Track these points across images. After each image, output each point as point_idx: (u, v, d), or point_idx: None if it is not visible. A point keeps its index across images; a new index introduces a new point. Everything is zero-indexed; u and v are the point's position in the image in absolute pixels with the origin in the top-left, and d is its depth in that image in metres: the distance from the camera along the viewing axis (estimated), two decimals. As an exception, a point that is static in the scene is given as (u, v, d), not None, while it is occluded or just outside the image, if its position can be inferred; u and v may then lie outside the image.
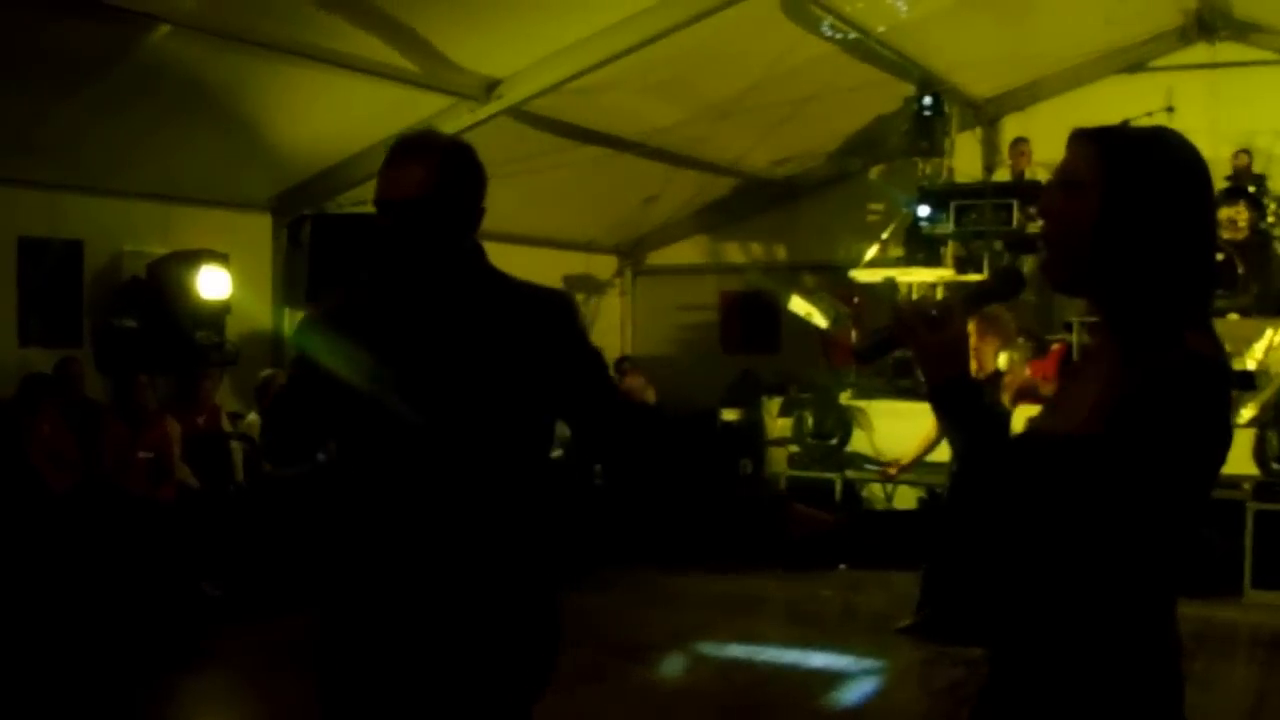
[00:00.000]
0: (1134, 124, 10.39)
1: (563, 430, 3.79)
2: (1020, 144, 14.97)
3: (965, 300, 2.80)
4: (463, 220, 3.53)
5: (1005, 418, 2.76)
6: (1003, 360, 9.20)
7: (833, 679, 9.21)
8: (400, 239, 3.48)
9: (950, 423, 2.70)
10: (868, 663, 9.35)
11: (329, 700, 3.58)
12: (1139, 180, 2.64)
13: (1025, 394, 9.24)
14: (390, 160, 3.50)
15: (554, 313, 3.66)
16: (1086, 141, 2.70)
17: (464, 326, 3.50)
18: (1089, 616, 2.62)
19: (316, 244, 11.03)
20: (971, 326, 9.57)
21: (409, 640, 3.45)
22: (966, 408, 2.67)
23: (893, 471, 10.50)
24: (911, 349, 2.72)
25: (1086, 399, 2.61)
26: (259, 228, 12.12)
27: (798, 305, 14.54)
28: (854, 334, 14.53)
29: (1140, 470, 2.51)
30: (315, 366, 3.54)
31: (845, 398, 13.80)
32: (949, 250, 15.08)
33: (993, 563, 2.77)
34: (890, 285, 14.69)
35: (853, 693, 8.88)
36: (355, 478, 3.61)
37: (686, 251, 18.24)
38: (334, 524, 3.61)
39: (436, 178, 3.45)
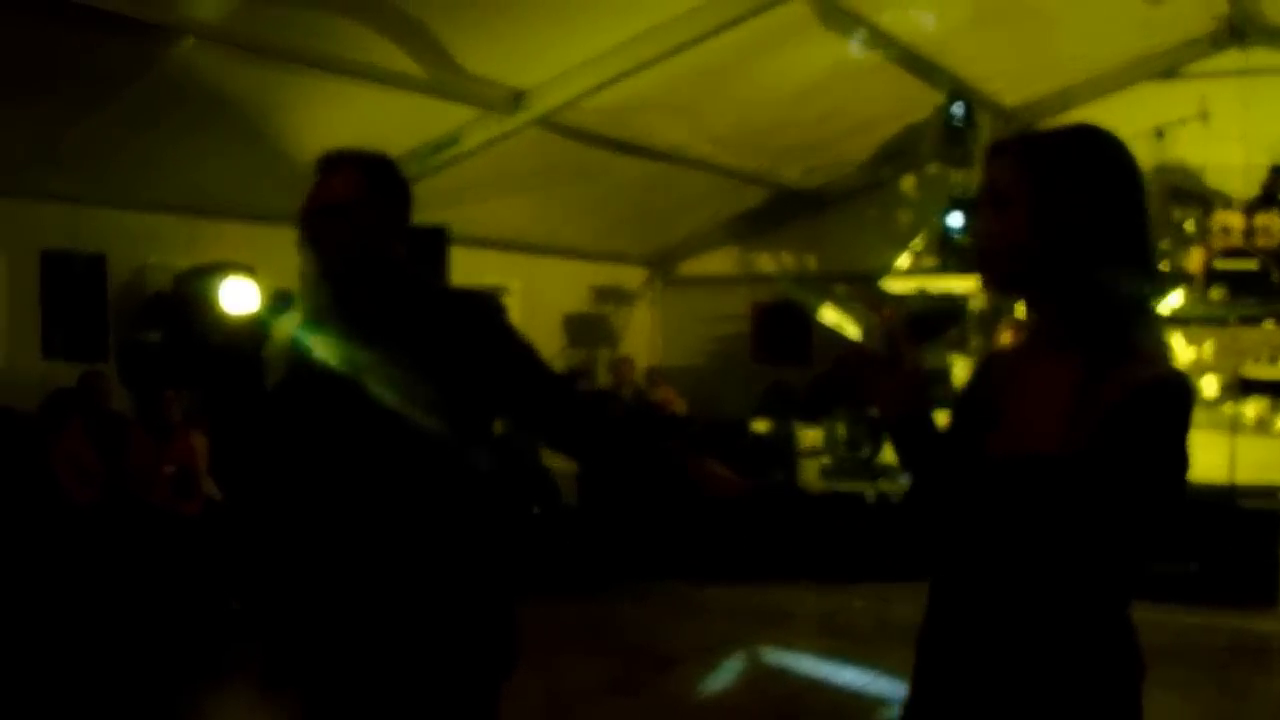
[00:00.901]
0: (1167, 131, 10.15)
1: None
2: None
3: (910, 333, 2.72)
4: (386, 229, 3.60)
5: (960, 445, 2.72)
6: None
7: (865, 692, 9.14)
8: (324, 247, 3.53)
9: (907, 457, 2.67)
10: (900, 676, 9.25)
11: (303, 700, 3.69)
12: (1065, 186, 2.59)
13: None
14: (316, 173, 3.62)
15: (477, 313, 3.73)
16: (1005, 154, 2.67)
17: (389, 334, 3.56)
18: (1060, 627, 2.59)
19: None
20: (1009, 338, 9.50)
21: (359, 634, 3.54)
22: (924, 442, 2.65)
23: None
24: (864, 394, 2.71)
25: (1051, 415, 2.56)
26: (285, 240, 12.06)
27: (829, 315, 14.48)
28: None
29: (1135, 485, 2.48)
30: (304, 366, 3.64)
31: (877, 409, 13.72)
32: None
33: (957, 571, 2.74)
34: (922, 295, 14.62)
35: (886, 706, 8.80)
36: (294, 490, 3.68)
37: (716, 262, 18.19)
38: (280, 534, 3.72)
39: (357, 188, 3.55)
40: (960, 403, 2.89)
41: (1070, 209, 2.57)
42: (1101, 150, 2.65)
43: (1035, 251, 2.58)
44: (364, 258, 3.57)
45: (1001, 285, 2.71)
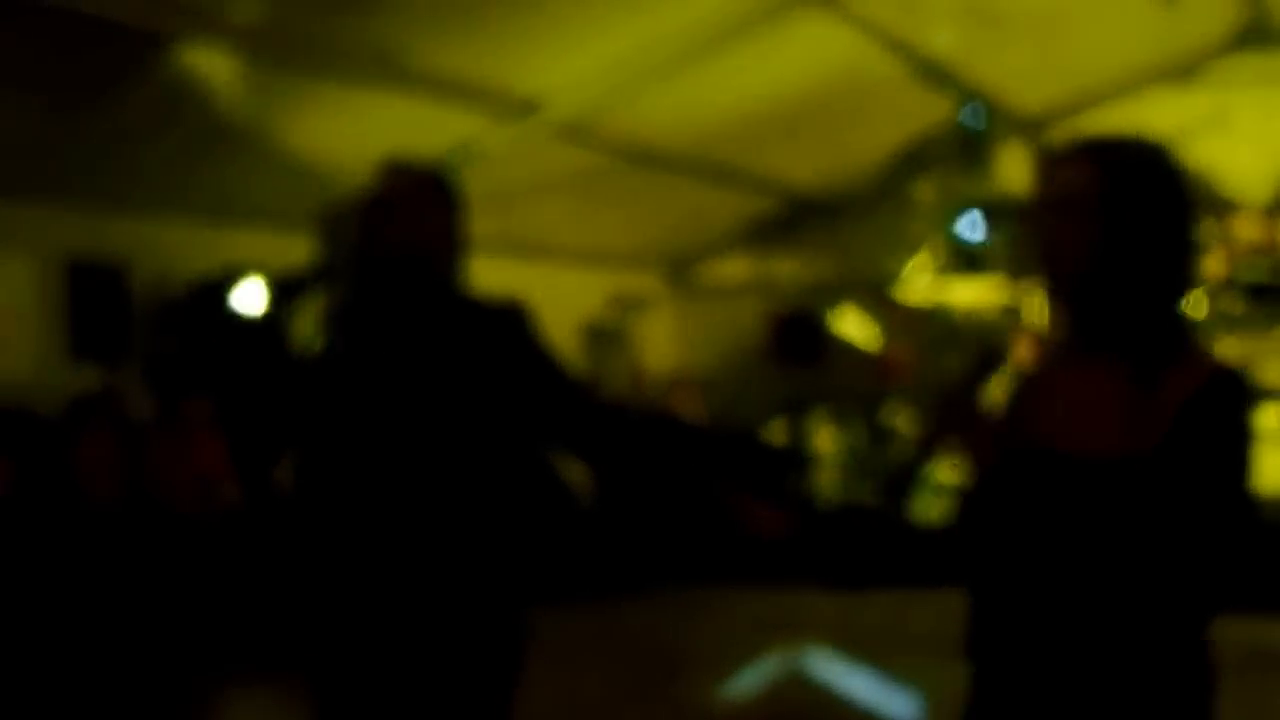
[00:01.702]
0: (1184, 135, 10.16)
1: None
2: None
3: (962, 393, 2.77)
4: (443, 243, 3.77)
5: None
6: None
7: (880, 699, 9.15)
8: (382, 264, 3.58)
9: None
10: (918, 682, 9.28)
11: (315, 697, 3.73)
12: (1137, 196, 2.63)
13: None
14: (377, 185, 3.69)
15: (506, 322, 3.79)
16: (1077, 161, 2.68)
17: (423, 342, 3.63)
18: (1152, 634, 2.59)
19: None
20: (1024, 344, 9.53)
21: (378, 635, 3.57)
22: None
23: None
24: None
25: (1105, 420, 2.57)
26: (305, 247, 12.09)
27: (844, 322, 14.49)
28: (900, 351, 14.49)
29: (1221, 479, 2.51)
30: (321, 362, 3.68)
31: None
32: (996, 265, 15.01)
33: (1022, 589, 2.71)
34: (937, 302, 14.63)
35: (900, 714, 8.81)
36: (320, 489, 3.68)
37: (732, 269, 18.21)
38: (305, 536, 3.73)
39: (426, 206, 3.69)
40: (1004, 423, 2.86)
41: (1140, 219, 2.61)
42: (1166, 163, 2.69)
43: (1104, 258, 2.60)
44: (419, 274, 3.63)
45: (1065, 290, 2.69)
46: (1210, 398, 2.51)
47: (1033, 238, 2.70)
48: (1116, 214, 2.59)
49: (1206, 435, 2.49)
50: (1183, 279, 2.68)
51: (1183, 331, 2.67)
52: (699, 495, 3.82)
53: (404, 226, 3.56)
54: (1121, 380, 2.58)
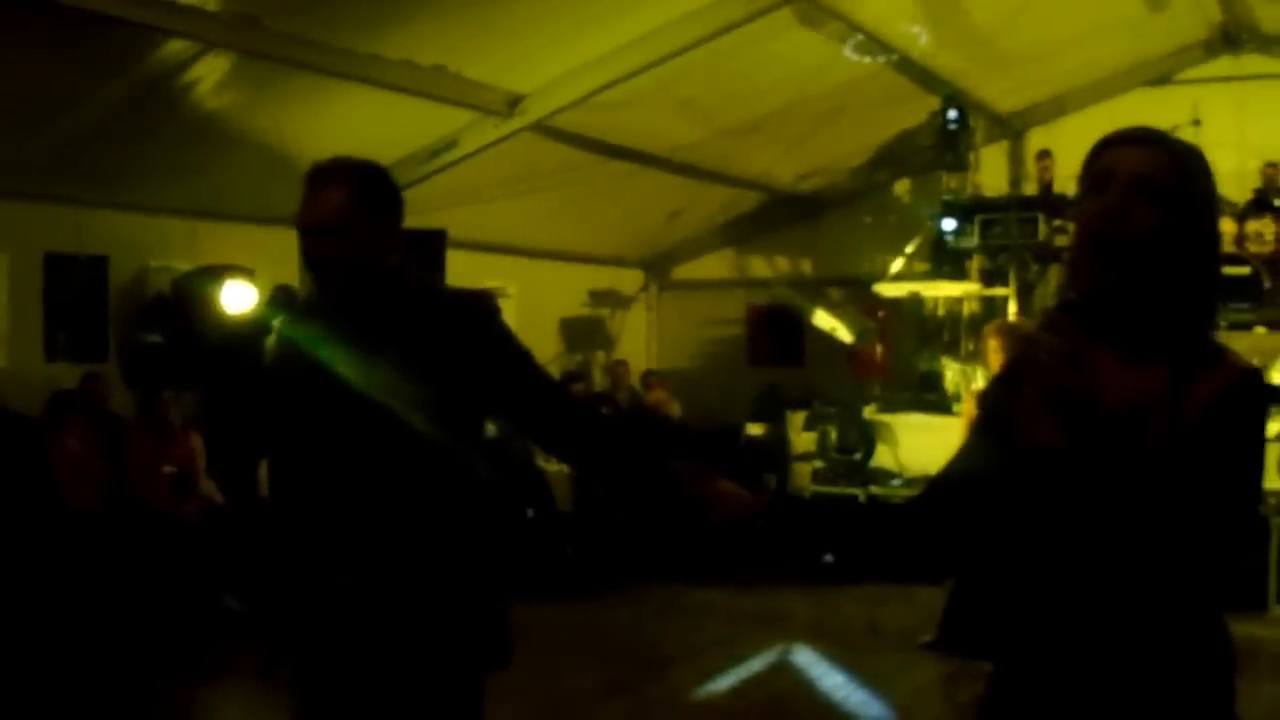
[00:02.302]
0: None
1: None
2: (1045, 157, 14.94)
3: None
4: (379, 240, 3.64)
5: None
6: None
7: (856, 694, 9.20)
8: (318, 263, 3.59)
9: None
10: (891, 678, 9.33)
11: (297, 687, 3.76)
12: (1200, 186, 2.70)
13: None
14: (306, 187, 3.63)
15: (472, 314, 3.75)
16: (1147, 145, 2.70)
17: (384, 337, 3.60)
18: (1162, 622, 2.63)
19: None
20: (995, 343, 9.55)
21: (355, 631, 3.58)
22: None
23: None
24: None
25: (1145, 412, 2.60)
26: (285, 242, 12.07)
27: (822, 320, 14.55)
28: (879, 348, 14.54)
29: (1236, 477, 2.58)
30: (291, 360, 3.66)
31: (869, 412, 13.79)
32: (974, 264, 15.07)
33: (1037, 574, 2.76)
34: (915, 299, 14.68)
35: (876, 708, 8.86)
36: (294, 490, 3.73)
37: (712, 266, 18.26)
38: (281, 534, 3.75)
39: (349, 203, 3.56)
40: (996, 402, 2.91)
41: (1205, 210, 2.71)
42: (1208, 164, 2.74)
43: (1164, 242, 2.63)
44: (359, 271, 3.60)
45: (1117, 270, 2.66)
46: (1235, 397, 2.57)
47: (1095, 211, 2.67)
48: (1178, 203, 2.64)
49: (1229, 432, 2.55)
50: (1218, 278, 2.77)
51: (1214, 336, 2.72)
52: (668, 485, 3.82)
53: (334, 227, 3.56)
54: (1157, 378, 2.61)
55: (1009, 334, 9.36)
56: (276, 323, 3.79)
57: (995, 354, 9.41)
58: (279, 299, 3.58)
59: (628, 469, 3.92)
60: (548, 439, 4.10)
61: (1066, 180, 14.60)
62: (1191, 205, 2.65)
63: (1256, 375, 2.65)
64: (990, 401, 2.85)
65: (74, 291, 11.13)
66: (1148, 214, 2.61)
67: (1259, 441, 2.63)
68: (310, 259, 3.65)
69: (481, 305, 3.81)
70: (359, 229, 3.56)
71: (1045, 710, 2.73)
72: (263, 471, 10.99)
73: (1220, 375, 2.59)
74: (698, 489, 3.71)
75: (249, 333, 3.44)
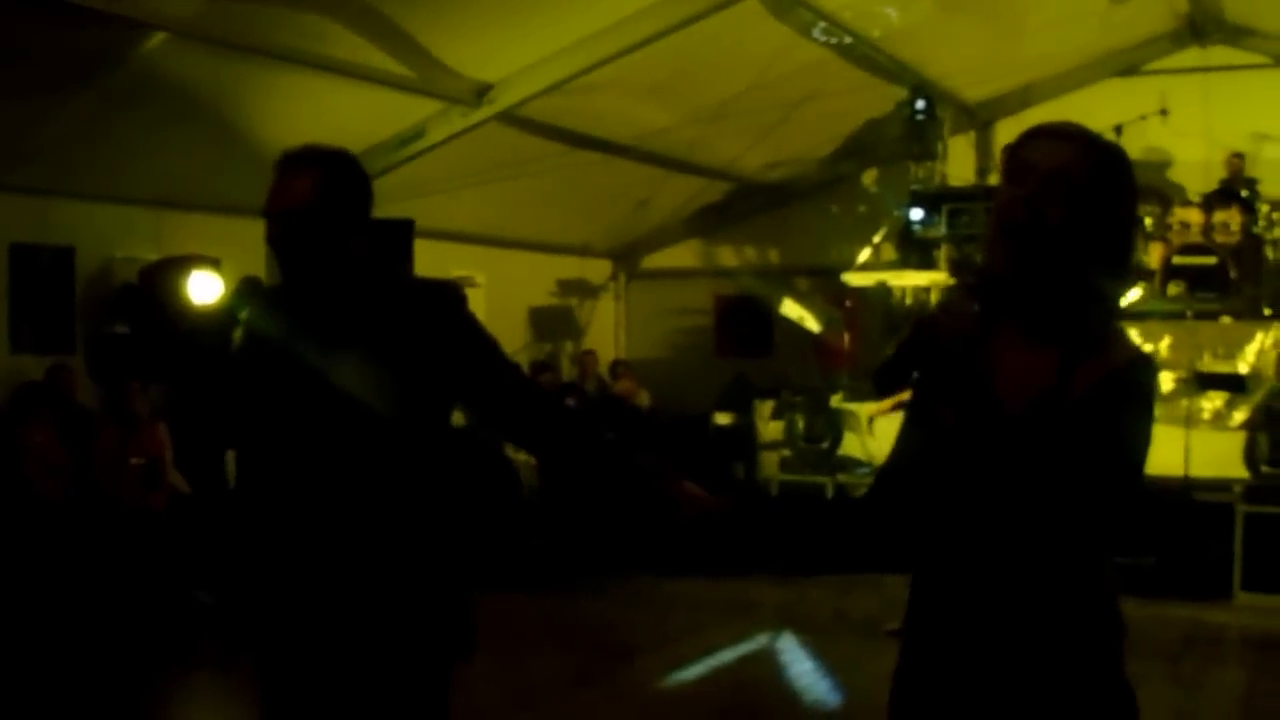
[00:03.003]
0: (1127, 127, 10.30)
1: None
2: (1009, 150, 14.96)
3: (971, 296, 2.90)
4: (347, 227, 3.63)
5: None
6: None
7: (823, 681, 9.23)
8: (286, 249, 3.59)
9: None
10: (857, 664, 9.37)
11: (262, 679, 3.74)
12: (1115, 184, 2.77)
13: None
14: (276, 173, 3.62)
15: (440, 303, 3.74)
16: (1065, 140, 2.78)
17: (350, 325, 3.60)
18: (1047, 591, 2.75)
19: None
20: None
21: (318, 618, 3.58)
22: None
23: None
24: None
25: (1032, 395, 2.73)
26: (252, 233, 12.02)
27: (790, 309, 14.56)
28: (846, 337, 14.57)
29: (1117, 453, 2.70)
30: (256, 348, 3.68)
31: (836, 401, 13.82)
32: (942, 254, 15.10)
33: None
34: (883, 289, 14.72)
35: (843, 695, 8.89)
36: (260, 480, 3.73)
37: (680, 255, 18.27)
38: (249, 525, 3.74)
39: (318, 189, 3.55)
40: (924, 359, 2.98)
41: (1113, 202, 2.77)
42: (1128, 163, 2.84)
43: (1071, 236, 2.72)
44: (325, 258, 3.59)
45: (1023, 259, 2.76)
46: (1117, 381, 2.69)
47: (1007, 200, 2.78)
48: (1089, 199, 2.72)
49: (1108, 413, 2.66)
50: (1125, 272, 2.86)
51: (1112, 322, 2.85)
52: (636, 481, 3.82)
53: (302, 212, 3.54)
54: (1049, 362, 2.73)
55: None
56: (243, 314, 3.78)
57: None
58: (246, 290, 3.54)
59: (591, 462, 3.92)
60: (511, 429, 4.09)
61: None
62: (1105, 202, 2.74)
63: (1141, 361, 2.79)
64: (887, 377, 2.96)
65: (40, 282, 11.07)
66: (1060, 207, 2.71)
67: (1138, 422, 2.73)
68: (278, 245, 3.63)
69: (448, 293, 3.79)
70: (328, 215, 3.55)
71: (947, 676, 2.85)
72: (230, 463, 10.99)
73: (1107, 359, 2.71)
74: (662, 488, 3.75)
75: (216, 323, 3.40)
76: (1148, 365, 2.80)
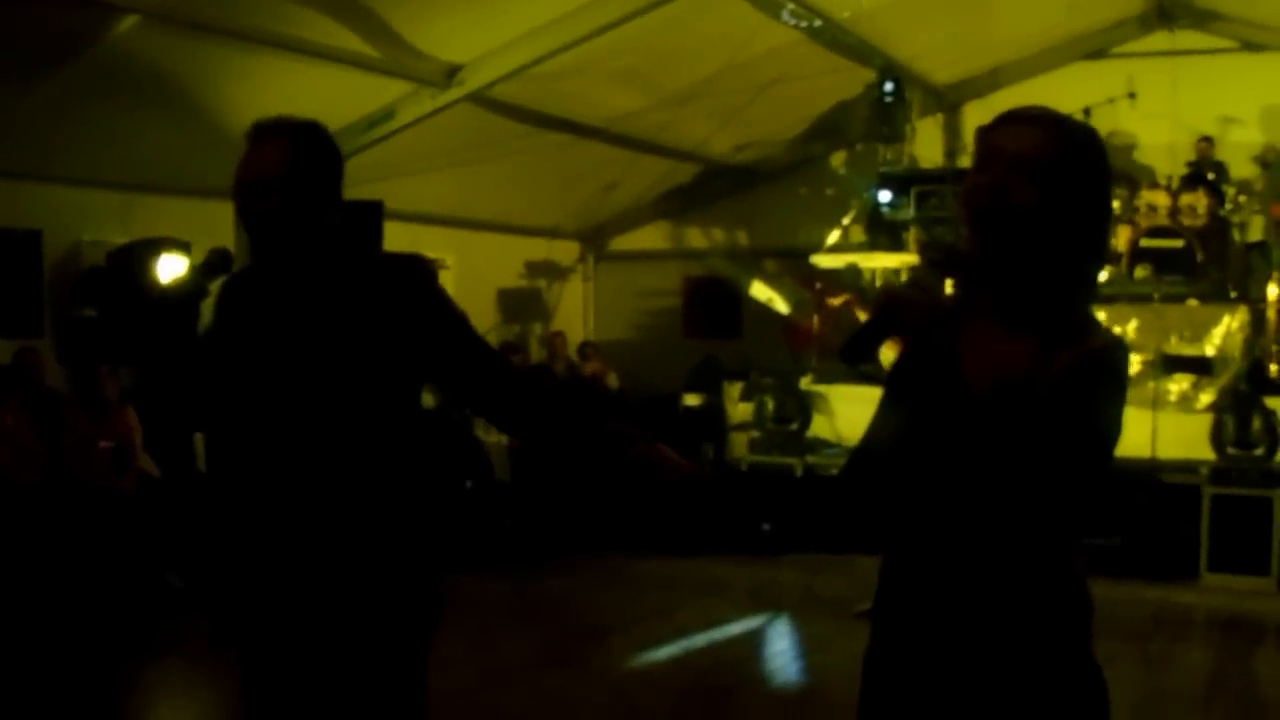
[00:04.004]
0: (1095, 110, 10.34)
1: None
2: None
3: (938, 270, 2.89)
4: (318, 197, 3.61)
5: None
6: None
7: (794, 661, 9.28)
8: (255, 218, 3.58)
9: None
10: (828, 645, 9.41)
11: (242, 662, 3.73)
12: (1085, 167, 2.77)
13: None
14: (247, 143, 3.60)
15: (409, 278, 3.72)
16: (1034, 124, 2.77)
17: (320, 301, 3.58)
18: (1013, 571, 2.75)
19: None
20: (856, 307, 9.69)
21: (292, 597, 3.58)
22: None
23: None
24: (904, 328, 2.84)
25: (1008, 380, 2.70)
26: (220, 215, 11.97)
27: (759, 290, 14.59)
28: (815, 319, 14.60)
29: (1083, 437, 2.69)
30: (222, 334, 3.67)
31: (806, 383, 13.84)
32: (911, 235, 15.15)
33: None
34: (852, 270, 14.75)
35: (812, 676, 8.94)
36: (231, 460, 3.72)
37: (648, 237, 18.27)
38: (218, 502, 3.73)
39: (289, 157, 3.54)
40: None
41: (1083, 186, 2.75)
42: (1101, 146, 2.84)
43: (1040, 220, 2.71)
44: (296, 229, 3.57)
45: (992, 244, 2.77)
46: (1087, 368, 2.67)
47: (973, 186, 2.78)
48: (1058, 183, 2.71)
49: (1076, 399, 2.64)
50: (1099, 257, 2.84)
51: (1086, 309, 2.83)
52: (611, 447, 3.77)
53: (273, 180, 3.53)
54: (1027, 351, 2.72)
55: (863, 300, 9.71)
56: (214, 285, 3.76)
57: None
58: (214, 262, 3.52)
59: (569, 436, 3.89)
60: (486, 406, 4.05)
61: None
62: (1073, 185, 2.72)
63: (1113, 349, 2.76)
64: (854, 350, 2.91)
65: (7, 266, 11.01)
66: (1026, 191, 2.70)
67: (1109, 403, 2.72)
68: (248, 215, 3.62)
69: (418, 268, 3.78)
70: (299, 184, 3.53)
71: (916, 657, 2.85)
72: (199, 445, 10.98)
73: (1080, 348, 2.70)
74: (637, 452, 3.69)
75: (183, 300, 3.37)
76: (1120, 348, 2.79)
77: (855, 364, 2.90)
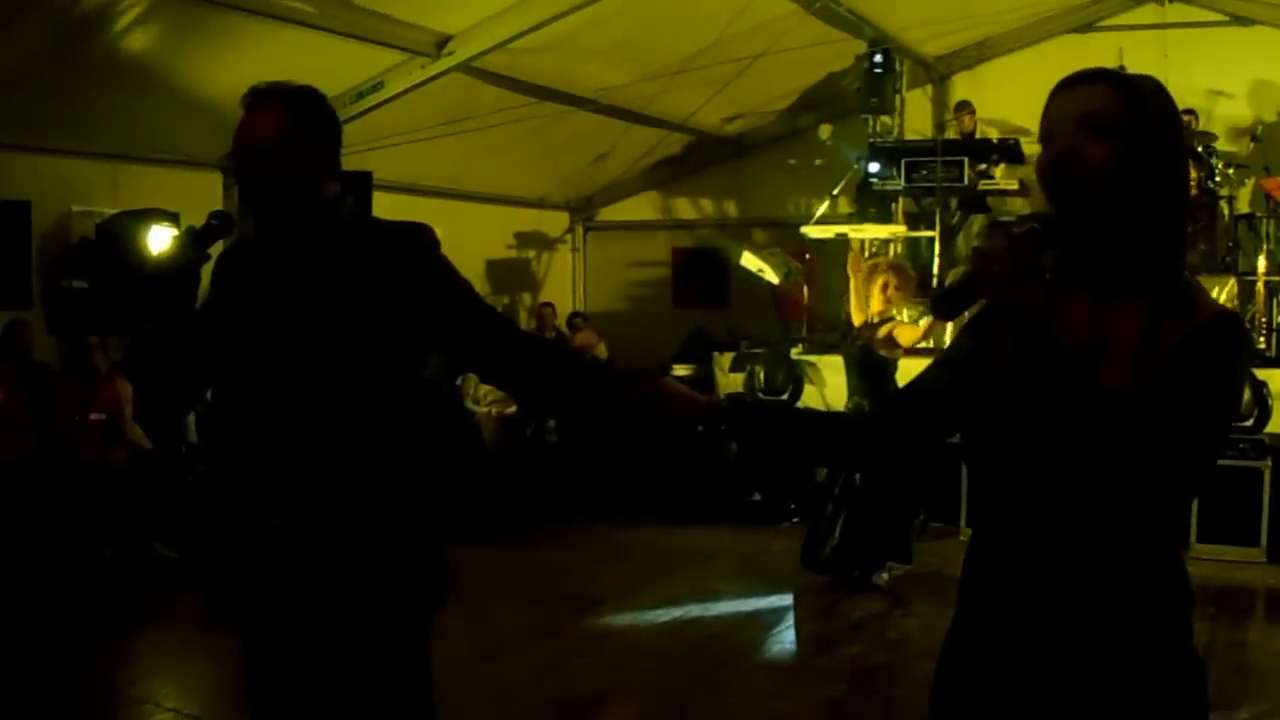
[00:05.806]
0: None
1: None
2: (963, 108, 15.10)
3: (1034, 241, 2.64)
4: (316, 163, 3.60)
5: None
6: (905, 313, 10.13)
7: (782, 632, 9.31)
8: (254, 184, 3.57)
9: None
10: (819, 616, 9.45)
11: (244, 634, 3.74)
12: (1163, 127, 2.65)
13: (889, 345, 9.77)
14: (244, 109, 3.59)
15: (410, 245, 3.71)
16: (1103, 83, 2.66)
17: (321, 271, 3.57)
18: (1120, 564, 2.64)
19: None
20: (887, 278, 9.70)
21: (294, 566, 3.57)
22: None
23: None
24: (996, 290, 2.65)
25: (1119, 357, 2.58)
26: (209, 186, 12.00)
27: (749, 261, 14.55)
28: (805, 290, 14.61)
29: (1194, 423, 2.56)
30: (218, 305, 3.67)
31: (796, 353, 13.85)
32: (899, 206, 15.17)
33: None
34: (841, 241, 14.74)
35: (802, 645, 8.97)
36: (228, 432, 3.71)
37: (638, 207, 18.28)
38: (213, 477, 3.74)
39: (287, 123, 3.52)
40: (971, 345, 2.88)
41: (1163, 146, 2.64)
42: (1166, 93, 2.69)
43: (1120, 175, 2.58)
44: (293, 195, 3.56)
45: (1078, 211, 2.62)
46: (1203, 343, 2.54)
47: (1046, 160, 2.65)
48: (1130, 135, 2.60)
49: (1193, 380, 2.53)
50: (1185, 214, 2.69)
51: (1186, 273, 2.70)
52: (620, 391, 3.44)
53: (271, 146, 3.50)
54: (1123, 318, 2.61)
55: (901, 272, 9.71)
56: (214, 250, 3.73)
57: (879, 290, 9.71)
58: (217, 225, 3.47)
59: (582, 391, 3.77)
60: (496, 371, 3.96)
61: (989, 125, 14.82)
62: (1148, 135, 2.60)
63: (1229, 321, 2.62)
64: (949, 303, 2.75)
65: (-5, 236, 11.00)
66: (1100, 149, 2.58)
67: (1226, 390, 2.62)
68: (246, 182, 3.60)
69: (421, 237, 3.76)
70: (297, 150, 3.52)
71: (1005, 650, 2.74)
72: (190, 417, 10.98)
73: (1190, 319, 2.56)
74: (645, 388, 3.38)
75: (181, 268, 3.34)
76: (1237, 321, 2.66)
77: (951, 317, 2.79)
